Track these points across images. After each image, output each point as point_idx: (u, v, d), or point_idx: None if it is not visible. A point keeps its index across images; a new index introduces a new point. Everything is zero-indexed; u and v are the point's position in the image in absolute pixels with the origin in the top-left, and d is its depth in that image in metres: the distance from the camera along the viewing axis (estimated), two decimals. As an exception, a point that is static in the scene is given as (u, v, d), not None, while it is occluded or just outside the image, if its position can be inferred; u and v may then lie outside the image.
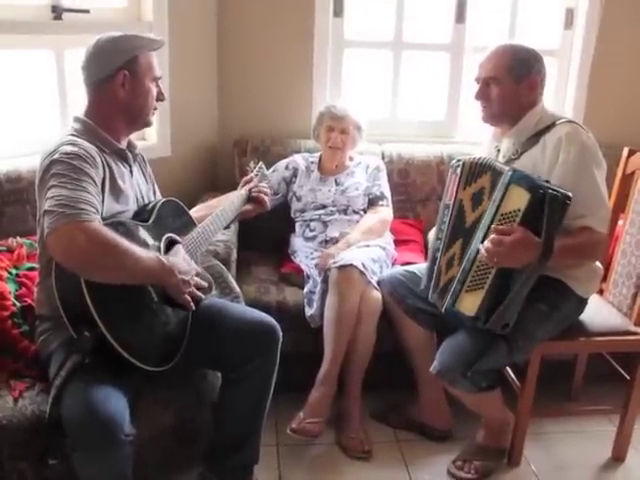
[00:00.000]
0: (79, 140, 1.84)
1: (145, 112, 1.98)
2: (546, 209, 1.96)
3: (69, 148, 1.79)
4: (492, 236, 2.01)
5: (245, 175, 2.42)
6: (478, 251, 2.07)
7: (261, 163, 2.48)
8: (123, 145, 1.99)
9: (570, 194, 1.99)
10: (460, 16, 3.30)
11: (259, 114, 3.27)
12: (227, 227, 2.32)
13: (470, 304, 2.14)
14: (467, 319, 2.16)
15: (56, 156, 1.76)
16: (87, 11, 2.65)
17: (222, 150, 3.29)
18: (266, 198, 2.35)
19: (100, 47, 1.90)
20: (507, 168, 2.08)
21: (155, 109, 2.01)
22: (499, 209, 2.05)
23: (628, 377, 2.44)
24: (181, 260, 1.89)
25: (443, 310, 2.23)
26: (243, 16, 3.15)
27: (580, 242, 2.10)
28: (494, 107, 2.26)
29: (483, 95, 2.27)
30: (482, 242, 2.06)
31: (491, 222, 2.06)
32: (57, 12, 2.57)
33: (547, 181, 2.04)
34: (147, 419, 1.91)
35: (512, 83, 2.22)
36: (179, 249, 1.95)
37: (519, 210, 2.01)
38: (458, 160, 2.25)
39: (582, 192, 2.07)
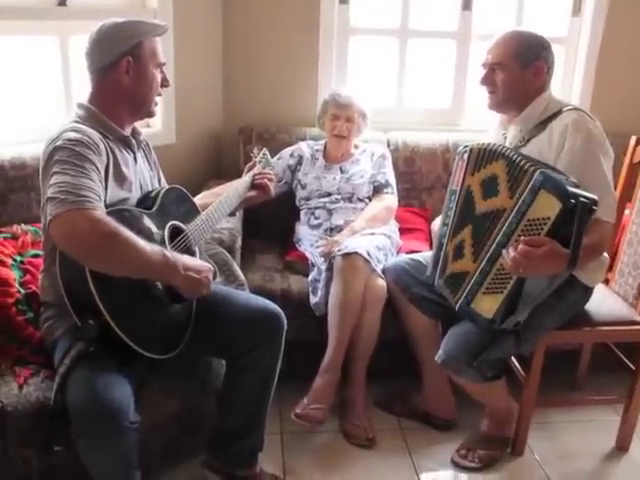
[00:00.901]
0: (82, 127, 1.83)
1: (149, 99, 1.97)
2: (576, 219, 1.85)
3: (72, 135, 1.78)
4: (520, 247, 1.90)
5: (249, 162, 2.41)
6: (499, 255, 2.00)
7: (265, 149, 2.47)
8: (127, 132, 1.98)
9: (596, 198, 1.90)
10: (467, 3, 3.27)
11: (264, 101, 3.26)
12: (232, 214, 2.31)
13: (488, 306, 2.09)
14: (482, 320, 2.12)
15: (59, 143, 1.75)
16: (91, -3, 2.65)
17: (227, 137, 3.28)
18: (270, 185, 2.33)
19: (104, 33, 1.88)
20: (537, 170, 1.95)
21: (159, 95, 2.00)
22: (526, 214, 1.96)
23: (633, 367, 2.43)
24: (188, 258, 1.86)
25: (457, 308, 2.18)
26: (249, 3, 3.13)
27: (594, 241, 2.01)
28: (499, 93, 2.25)
29: (488, 80, 2.26)
30: (504, 246, 1.98)
31: (516, 226, 1.98)
32: (61, -2, 2.57)
33: (577, 185, 1.94)
34: (152, 407, 1.92)
35: (518, 69, 2.20)
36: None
37: (548, 219, 1.91)
38: (465, 146, 2.23)
39: (588, 180, 2.04)
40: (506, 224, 2.01)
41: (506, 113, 2.33)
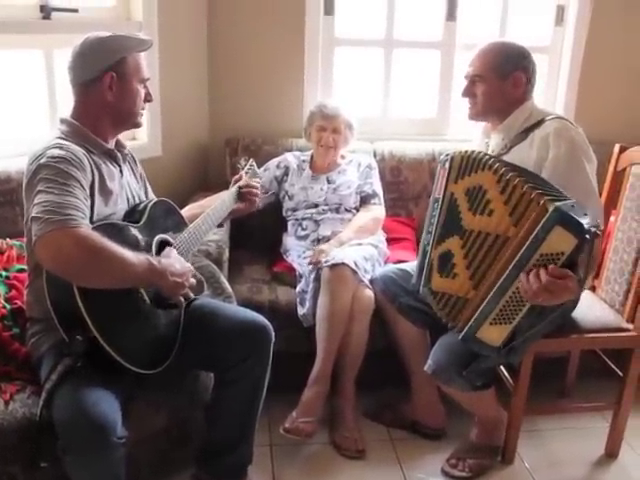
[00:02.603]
0: (66, 143, 1.82)
1: (133, 114, 1.97)
2: (588, 249, 1.85)
3: (56, 152, 1.77)
4: (545, 278, 1.86)
5: (236, 173, 2.41)
6: (509, 287, 1.97)
7: (252, 160, 2.47)
8: (111, 145, 1.97)
9: (598, 222, 1.89)
10: (451, 13, 3.29)
11: (250, 113, 3.26)
12: (219, 225, 2.30)
13: (495, 336, 2.05)
14: (487, 348, 2.08)
15: (43, 160, 1.74)
16: (76, 10, 2.64)
17: (213, 149, 3.28)
18: (257, 193, 2.33)
19: (87, 48, 1.88)
20: (551, 205, 1.86)
21: (143, 109, 2.00)
22: (538, 249, 1.89)
23: (621, 373, 2.44)
24: (174, 261, 1.86)
25: (460, 337, 2.11)
26: (234, 15, 3.13)
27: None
28: (480, 104, 2.28)
29: (469, 92, 2.29)
30: (513, 280, 1.94)
31: (527, 260, 1.91)
32: (45, 12, 2.55)
33: (584, 212, 1.89)
34: (140, 421, 1.91)
35: (497, 81, 2.23)
36: (171, 250, 1.92)
37: (562, 253, 1.86)
38: (447, 154, 2.23)
39: (574, 187, 2.05)
40: (517, 257, 1.94)
41: (488, 121, 2.35)
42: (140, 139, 3.02)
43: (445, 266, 2.20)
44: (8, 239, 2.28)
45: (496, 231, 2.03)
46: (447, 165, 2.20)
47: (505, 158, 2.20)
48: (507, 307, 2.01)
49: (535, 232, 1.89)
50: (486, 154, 2.17)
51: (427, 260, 2.26)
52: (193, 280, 1.92)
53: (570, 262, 1.88)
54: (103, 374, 1.74)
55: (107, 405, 1.68)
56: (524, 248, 1.93)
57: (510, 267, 1.97)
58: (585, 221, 1.84)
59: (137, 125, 2.04)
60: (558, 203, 1.88)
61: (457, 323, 2.15)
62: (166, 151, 3.09)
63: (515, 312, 2.00)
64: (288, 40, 3.19)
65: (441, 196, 2.21)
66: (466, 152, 2.17)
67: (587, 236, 1.82)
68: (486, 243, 2.06)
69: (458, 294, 2.15)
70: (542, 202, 1.90)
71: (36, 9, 2.55)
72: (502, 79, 2.22)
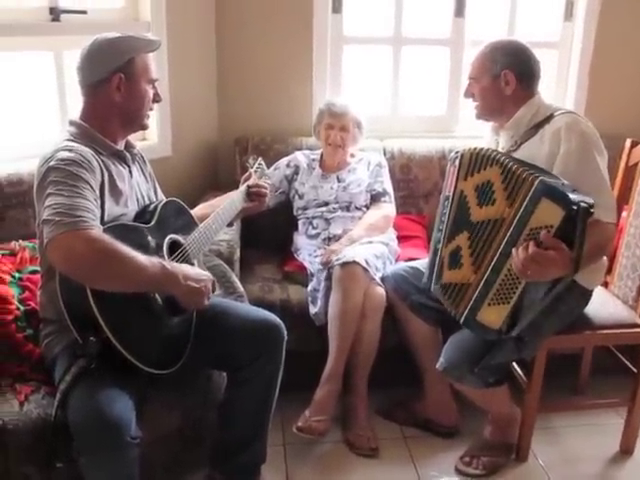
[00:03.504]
0: (75, 145, 1.83)
1: (141, 114, 1.97)
2: (579, 223, 1.85)
3: (65, 154, 1.77)
4: (532, 249, 1.87)
5: (245, 173, 2.41)
6: (503, 265, 1.99)
7: (260, 159, 2.46)
8: (120, 146, 1.98)
9: (592, 201, 1.88)
10: (459, 10, 3.28)
11: (259, 112, 3.26)
12: (229, 225, 2.30)
13: (494, 317, 2.06)
14: (489, 332, 2.09)
15: (52, 163, 1.75)
16: (85, 12, 2.65)
17: (223, 149, 3.28)
18: (266, 193, 2.32)
19: (95, 49, 1.88)
20: (537, 179, 1.92)
21: (151, 110, 2.00)
22: (528, 223, 1.93)
23: (635, 369, 2.43)
24: (188, 267, 1.86)
25: (462, 321, 2.14)
26: (241, 14, 3.13)
27: (597, 242, 2.00)
28: (479, 104, 2.30)
29: (468, 93, 2.32)
30: (508, 256, 1.96)
31: (518, 236, 1.95)
32: (55, 14, 2.57)
33: (573, 189, 1.92)
34: (153, 421, 1.91)
35: (489, 81, 2.24)
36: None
37: (551, 227, 1.88)
38: (456, 152, 2.23)
39: (586, 180, 2.04)
40: (508, 233, 1.98)
41: (493, 121, 2.36)
42: (150, 139, 3.02)
43: (454, 261, 2.20)
44: (21, 241, 2.28)
45: (495, 216, 2.06)
46: (457, 163, 2.20)
47: (515, 155, 2.20)
48: (503, 286, 2.03)
49: (524, 206, 1.94)
50: (495, 150, 2.17)
51: (438, 258, 2.26)
52: (218, 291, 1.91)
53: (561, 238, 1.88)
54: (116, 375, 1.74)
55: (121, 405, 1.68)
56: (514, 223, 1.97)
57: (503, 244, 2.00)
58: (573, 195, 1.87)
59: (144, 127, 2.04)
60: (545, 178, 1.92)
61: (459, 309, 2.15)
62: (176, 151, 3.09)
63: (512, 290, 2.01)
64: (296, 39, 3.18)
65: (451, 194, 2.21)
66: (475, 149, 2.18)
67: (574, 207, 1.84)
68: (487, 230, 2.08)
69: (462, 281, 2.16)
70: (530, 178, 1.94)
71: (45, 11, 2.56)
72: (494, 79, 2.23)
